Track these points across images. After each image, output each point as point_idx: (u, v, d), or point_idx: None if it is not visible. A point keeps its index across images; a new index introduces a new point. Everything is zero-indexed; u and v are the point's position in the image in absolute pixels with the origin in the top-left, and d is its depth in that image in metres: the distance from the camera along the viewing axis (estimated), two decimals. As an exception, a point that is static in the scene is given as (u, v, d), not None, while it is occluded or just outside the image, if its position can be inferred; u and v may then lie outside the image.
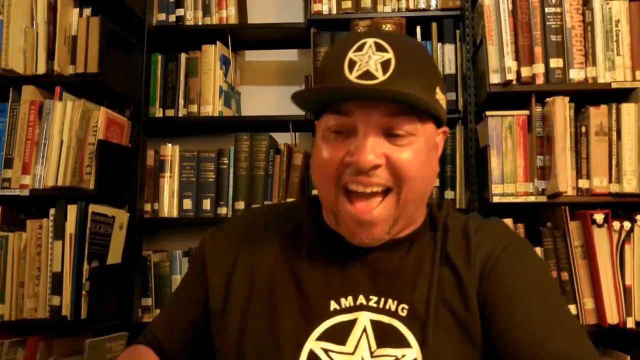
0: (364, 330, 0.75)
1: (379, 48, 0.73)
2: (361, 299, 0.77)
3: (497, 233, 0.82)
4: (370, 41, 0.73)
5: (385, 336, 0.75)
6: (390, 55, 0.72)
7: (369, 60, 0.72)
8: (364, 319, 0.76)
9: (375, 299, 0.77)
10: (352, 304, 0.77)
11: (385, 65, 0.71)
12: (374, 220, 0.74)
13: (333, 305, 0.77)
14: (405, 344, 0.74)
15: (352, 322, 0.76)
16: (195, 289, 0.87)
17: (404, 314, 0.76)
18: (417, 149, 0.74)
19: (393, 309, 0.76)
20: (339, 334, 0.75)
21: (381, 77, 0.71)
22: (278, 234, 0.85)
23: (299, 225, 0.85)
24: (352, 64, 0.72)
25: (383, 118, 0.72)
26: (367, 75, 0.71)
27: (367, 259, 0.79)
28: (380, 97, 0.71)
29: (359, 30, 1.96)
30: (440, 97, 0.77)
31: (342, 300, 0.77)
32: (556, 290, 0.80)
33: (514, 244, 0.80)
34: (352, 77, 0.72)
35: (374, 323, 0.76)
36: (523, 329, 0.72)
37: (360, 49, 0.73)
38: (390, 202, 0.75)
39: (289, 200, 1.94)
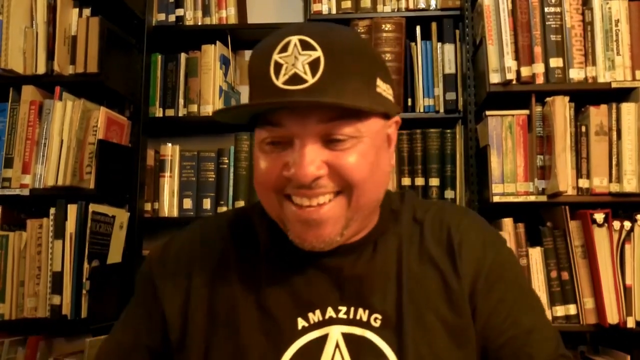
0: (337, 346, 0.70)
1: (305, 46, 0.65)
2: (330, 312, 0.72)
3: (479, 232, 0.79)
4: (294, 39, 0.65)
5: (360, 350, 0.70)
6: (318, 53, 0.64)
7: (296, 62, 0.64)
8: (335, 333, 0.71)
9: (344, 309, 0.72)
10: (320, 319, 0.71)
11: (313, 65, 0.64)
12: (322, 219, 0.67)
13: (301, 322, 0.71)
14: (381, 356, 0.70)
15: (324, 339, 0.71)
16: (150, 316, 0.78)
17: (377, 324, 0.71)
18: (362, 151, 0.67)
19: (365, 319, 0.71)
20: (311, 354, 0.70)
21: (311, 80, 0.64)
22: (234, 250, 0.77)
23: (255, 236, 0.78)
24: (278, 67, 0.65)
25: (319, 125, 0.65)
26: (295, 79, 0.64)
27: (331, 267, 0.73)
28: (309, 106, 0.64)
29: (359, 32, 1.96)
30: (383, 89, 0.70)
31: (310, 315, 0.71)
32: (529, 287, 0.81)
33: (501, 252, 0.79)
34: (280, 82, 0.64)
35: (346, 336, 0.71)
36: (515, 342, 0.73)
37: (284, 49, 0.65)
38: (340, 203, 0.68)
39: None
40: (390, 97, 0.73)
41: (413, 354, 0.69)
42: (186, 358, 0.74)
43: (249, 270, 0.75)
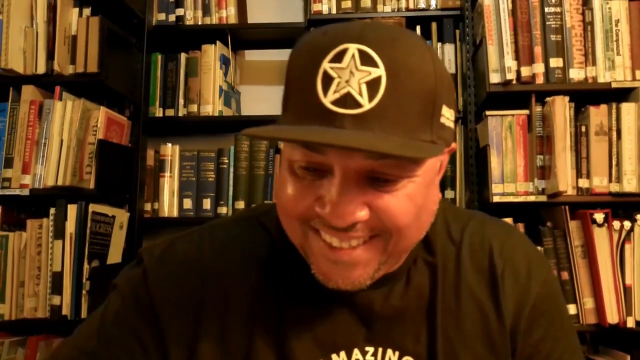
0: None
1: (365, 60, 0.53)
2: (356, 354, 0.63)
3: (525, 258, 0.69)
4: (352, 49, 0.53)
5: None
6: (380, 71, 0.52)
7: (351, 79, 0.52)
8: None
9: (371, 350, 0.64)
10: None
11: (372, 86, 0.52)
12: (354, 261, 0.57)
13: None
14: None
15: None
16: (141, 342, 0.64)
17: None
18: (412, 193, 0.56)
19: None
20: None
21: (366, 105, 0.52)
22: (251, 273, 0.66)
23: (273, 256, 0.67)
24: (327, 79, 0.53)
25: (366, 160, 0.53)
26: (347, 100, 0.52)
27: (359, 302, 0.64)
28: (361, 149, 0.50)
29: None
30: (447, 117, 0.58)
31: (334, 357, 0.63)
32: (569, 319, 0.73)
33: (547, 281, 0.69)
34: (327, 100, 0.52)
35: None
36: None
37: (338, 58, 0.53)
38: (376, 246, 0.58)
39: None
40: (452, 125, 0.60)
41: None
42: None
43: (266, 303, 0.65)
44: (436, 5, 2.00)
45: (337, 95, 0.52)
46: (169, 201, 2.04)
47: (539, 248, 1.65)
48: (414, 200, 0.56)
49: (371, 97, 0.52)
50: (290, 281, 0.66)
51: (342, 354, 0.63)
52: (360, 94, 0.52)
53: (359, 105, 0.52)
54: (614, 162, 1.66)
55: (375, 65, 0.53)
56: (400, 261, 0.64)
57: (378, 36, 0.54)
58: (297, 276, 0.65)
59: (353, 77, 0.52)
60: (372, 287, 0.62)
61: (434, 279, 0.66)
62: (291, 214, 0.59)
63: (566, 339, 0.69)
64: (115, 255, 1.83)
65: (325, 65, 0.53)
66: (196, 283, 0.65)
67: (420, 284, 0.66)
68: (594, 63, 1.71)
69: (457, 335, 0.64)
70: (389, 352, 0.64)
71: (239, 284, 0.66)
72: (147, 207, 2.03)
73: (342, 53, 0.53)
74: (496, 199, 1.69)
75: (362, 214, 0.55)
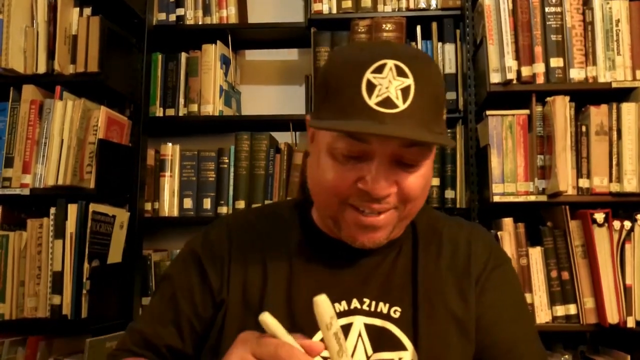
0: (359, 335, 0.77)
1: (400, 72, 0.69)
2: (355, 303, 0.79)
3: (488, 244, 0.88)
4: (390, 63, 0.69)
5: (380, 340, 0.77)
6: (410, 81, 0.69)
7: (390, 86, 0.68)
8: (358, 323, 0.77)
9: (367, 301, 0.79)
10: (346, 308, 0.78)
11: (405, 92, 0.68)
12: (379, 225, 0.75)
13: None
14: (400, 347, 0.76)
15: (348, 327, 0.77)
16: (201, 292, 0.83)
17: (396, 315, 0.78)
18: (425, 173, 0.75)
19: (385, 311, 0.78)
20: None
21: (401, 106, 0.68)
22: (267, 243, 0.84)
23: (285, 232, 0.85)
24: (370, 86, 0.68)
25: (400, 148, 0.70)
26: (388, 102, 0.68)
27: (360, 265, 0.81)
28: (405, 137, 0.68)
29: (359, 32, 1.96)
30: (445, 113, 0.78)
31: (336, 305, 0.78)
32: (525, 305, 0.90)
33: (503, 266, 0.87)
34: (372, 102, 0.68)
35: (367, 327, 0.77)
36: (504, 346, 0.81)
37: (379, 70, 0.69)
38: (395, 213, 0.76)
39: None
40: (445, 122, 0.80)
41: (427, 344, 0.76)
42: (222, 343, 0.78)
43: (280, 262, 0.82)
44: (436, 5, 2.00)
45: (379, 99, 0.68)
46: (169, 201, 2.04)
47: (539, 247, 1.65)
48: (426, 177, 0.76)
49: (404, 100, 0.69)
50: (300, 244, 0.83)
51: (343, 302, 0.79)
52: (397, 98, 0.68)
53: (395, 106, 0.68)
54: (614, 162, 1.66)
55: (406, 76, 0.69)
56: (403, 228, 0.82)
57: (407, 53, 0.72)
58: (307, 240, 0.84)
59: (391, 84, 0.68)
60: (370, 255, 0.81)
61: (416, 252, 0.84)
62: (332, 192, 0.75)
63: (516, 314, 0.84)
64: (115, 255, 1.83)
65: (369, 75, 0.69)
66: (225, 249, 0.84)
67: (408, 254, 0.84)
68: (594, 63, 1.71)
69: (435, 290, 0.81)
70: (381, 304, 0.79)
71: (254, 249, 0.83)
72: (148, 206, 2.03)
73: (382, 67, 0.69)
74: (496, 198, 1.69)
75: (393, 189, 0.73)
